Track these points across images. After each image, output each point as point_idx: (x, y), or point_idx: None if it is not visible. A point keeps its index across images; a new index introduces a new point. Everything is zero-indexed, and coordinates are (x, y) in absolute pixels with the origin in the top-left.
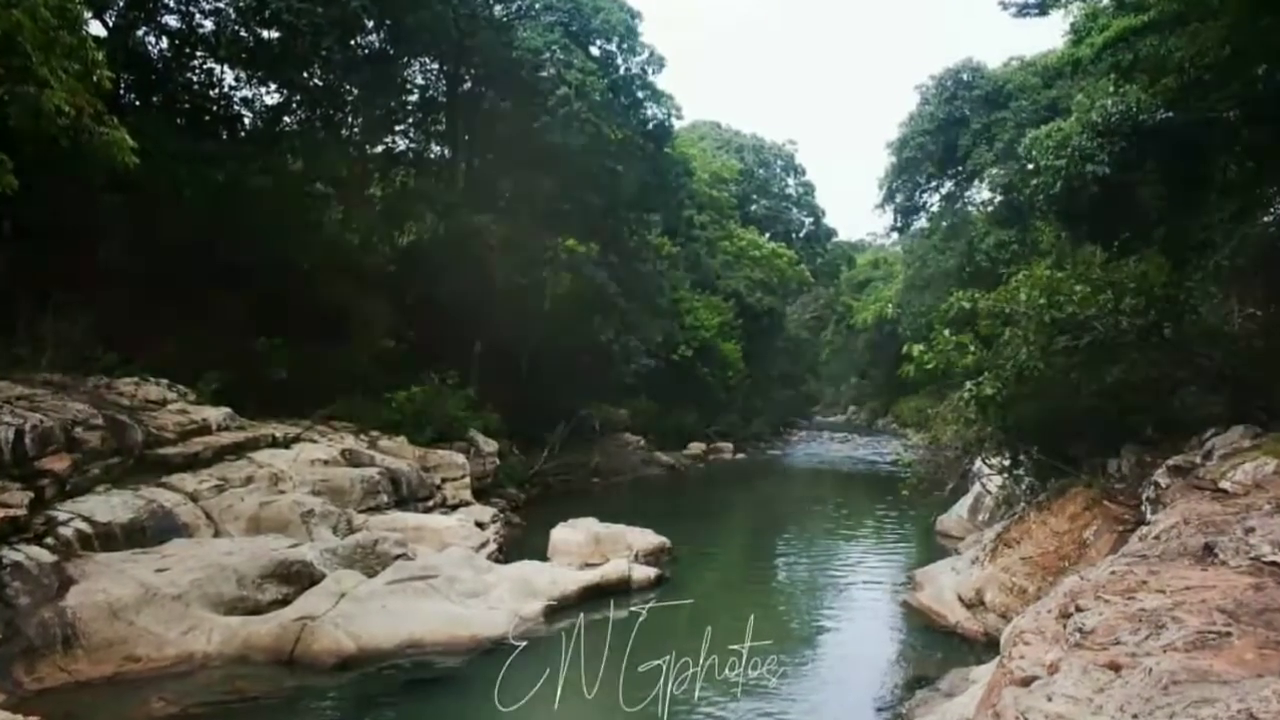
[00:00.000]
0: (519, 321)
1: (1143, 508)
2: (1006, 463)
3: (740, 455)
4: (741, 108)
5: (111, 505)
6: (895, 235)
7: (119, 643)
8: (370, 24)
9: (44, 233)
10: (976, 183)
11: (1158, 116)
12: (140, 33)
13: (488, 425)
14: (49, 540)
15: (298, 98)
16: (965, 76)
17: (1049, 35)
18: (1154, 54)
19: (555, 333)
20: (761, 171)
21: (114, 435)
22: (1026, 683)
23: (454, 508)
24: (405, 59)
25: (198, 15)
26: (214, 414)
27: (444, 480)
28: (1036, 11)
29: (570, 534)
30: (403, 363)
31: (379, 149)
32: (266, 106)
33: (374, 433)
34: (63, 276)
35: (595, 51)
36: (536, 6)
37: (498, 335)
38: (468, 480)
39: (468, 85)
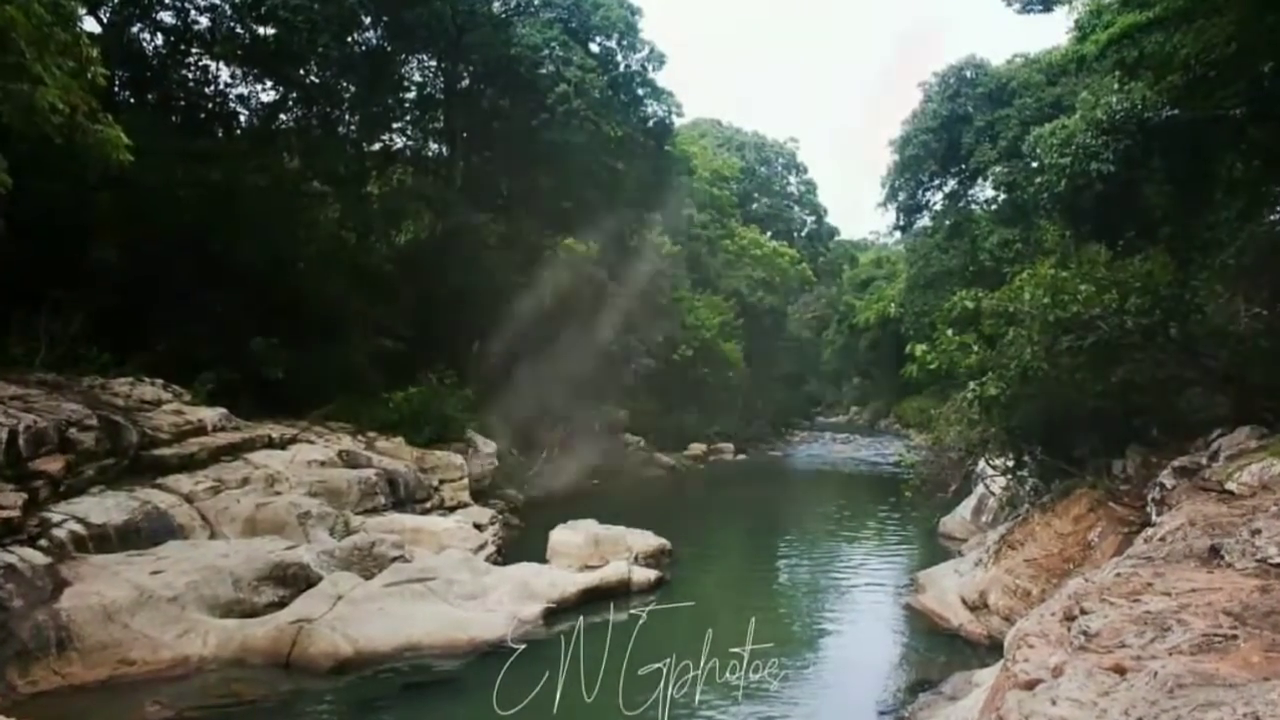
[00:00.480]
0: (518, 321)
1: (1148, 509)
2: (1010, 464)
3: (741, 456)
4: (743, 105)
5: (106, 507)
6: (898, 234)
7: (113, 646)
8: (367, 20)
9: (38, 231)
10: (980, 181)
11: (1163, 114)
12: (135, 29)
13: (486, 426)
14: (43, 542)
15: (294, 95)
16: (969, 74)
17: (1053, 32)
18: (1159, 51)
19: (555, 332)
20: (763, 169)
21: (109, 436)
22: (1031, 686)
23: (452, 509)
24: (403, 56)
25: (193, 12)
26: (209, 414)
27: (442, 481)
28: (1041, 7)
29: (569, 536)
30: (400, 362)
31: (376, 147)
32: (262, 104)
33: (371, 433)
34: (57, 275)
35: (595, 48)
36: (535, 3)
37: (496, 335)
38: (466, 481)
39: (466, 82)
